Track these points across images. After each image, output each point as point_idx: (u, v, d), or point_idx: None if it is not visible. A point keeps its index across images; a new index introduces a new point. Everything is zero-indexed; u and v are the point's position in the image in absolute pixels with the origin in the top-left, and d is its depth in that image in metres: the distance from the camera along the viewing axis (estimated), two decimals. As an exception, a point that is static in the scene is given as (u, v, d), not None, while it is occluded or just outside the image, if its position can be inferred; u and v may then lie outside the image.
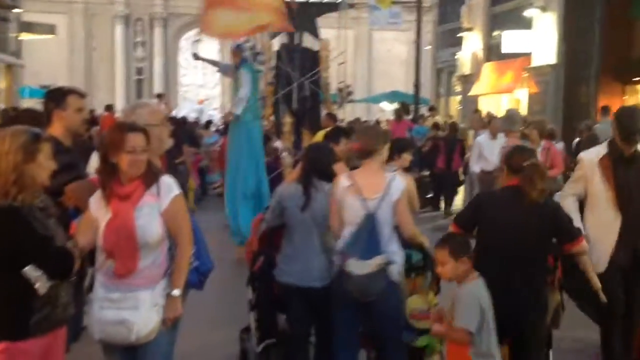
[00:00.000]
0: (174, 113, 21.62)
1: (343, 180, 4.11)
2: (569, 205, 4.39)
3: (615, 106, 16.48)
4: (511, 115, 8.32)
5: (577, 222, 4.20)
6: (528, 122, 8.20)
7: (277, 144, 15.09)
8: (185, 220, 3.48)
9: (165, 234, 3.39)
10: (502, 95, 19.61)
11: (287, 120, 13.60)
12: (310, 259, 4.26)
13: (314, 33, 14.33)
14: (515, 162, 3.88)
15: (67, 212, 3.89)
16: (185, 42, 41.08)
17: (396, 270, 4.03)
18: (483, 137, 9.22)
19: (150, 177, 3.39)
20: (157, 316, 3.30)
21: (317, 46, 14.16)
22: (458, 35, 20.85)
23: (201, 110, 30.84)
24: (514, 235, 3.78)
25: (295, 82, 13.66)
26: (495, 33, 19.49)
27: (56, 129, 4.09)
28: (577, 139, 12.21)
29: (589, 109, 15.23)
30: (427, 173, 13.20)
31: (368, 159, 4.16)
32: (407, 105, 15.19)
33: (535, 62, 16.42)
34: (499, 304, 3.66)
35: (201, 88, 42.24)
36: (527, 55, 17.08)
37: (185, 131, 11.86)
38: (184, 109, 33.24)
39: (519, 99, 19.40)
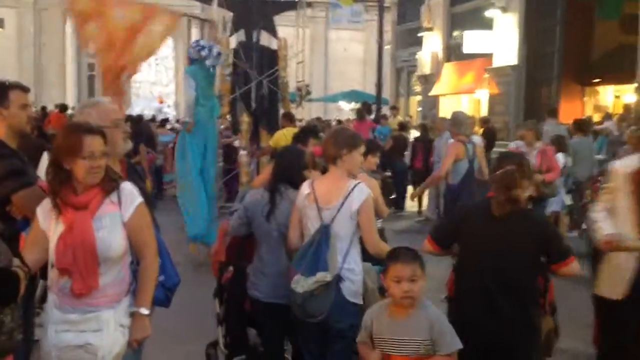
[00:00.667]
0: (128, 111, 21.07)
1: (304, 187, 3.84)
2: (598, 215, 3.90)
3: (575, 108, 16.71)
4: (456, 117, 7.94)
5: (607, 229, 3.76)
6: (524, 123, 7.98)
7: (235, 143, 14.75)
8: (150, 231, 3.15)
9: (128, 247, 3.03)
10: (462, 96, 19.56)
11: (245, 119, 13.26)
12: (277, 274, 3.95)
13: (272, 31, 14.03)
14: (493, 171, 3.54)
15: (15, 224, 3.51)
16: (139, 38, 40.65)
17: (352, 288, 3.67)
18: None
19: (109, 184, 3.03)
20: (123, 338, 2.97)
21: (275, 45, 13.88)
22: (418, 35, 20.70)
23: (159, 109, 30.20)
24: (495, 252, 3.41)
25: (254, 81, 13.37)
26: (455, 33, 19.41)
27: None
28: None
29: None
30: (389, 174, 13.01)
31: (332, 165, 3.82)
32: (369, 104, 14.95)
33: (497, 63, 16.36)
34: (482, 328, 3.35)
35: (154, 85, 41.70)
36: (488, 56, 17.02)
37: (141, 130, 11.38)
38: (138, 107, 32.63)
39: (479, 100, 19.37)
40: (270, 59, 13.55)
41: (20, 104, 3.70)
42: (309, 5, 14.85)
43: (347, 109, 29.76)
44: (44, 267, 3.08)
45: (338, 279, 3.60)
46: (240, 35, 13.86)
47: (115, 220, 3.00)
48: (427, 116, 18.75)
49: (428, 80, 20.03)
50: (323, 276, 3.56)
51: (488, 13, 16.52)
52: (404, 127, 14.26)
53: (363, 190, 3.73)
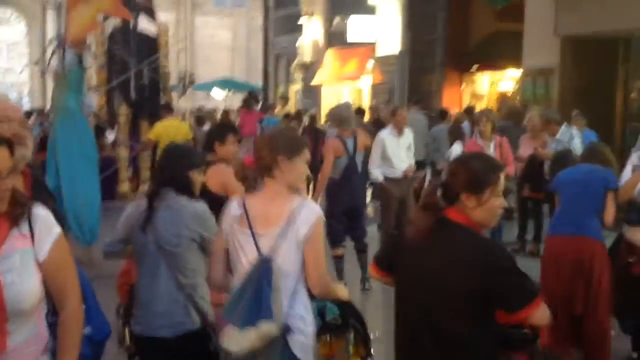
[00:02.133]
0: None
1: (232, 207, 3.00)
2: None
3: (453, 95, 16.95)
4: (336, 114, 7.35)
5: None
6: (481, 114, 7.80)
7: (112, 136, 13.68)
8: (72, 271, 2.41)
9: (44, 294, 2.34)
10: (343, 84, 19.36)
11: (123, 110, 12.31)
12: (155, 298, 3.26)
13: (151, 15, 13.14)
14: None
15: None
16: (-12, 21, 37.76)
17: (303, 342, 2.88)
18: (386, 133, 7.77)
19: (17, 210, 2.29)
20: None
21: (154, 31, 13.01)
22: (298, 22, 20.26)
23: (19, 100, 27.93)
24: (420, 293, 2.49)
25: (133, 69, 12.45)
26: (336, 19, 19.13)
27: None
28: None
29: (433, 98, 15.32)
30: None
31: (268, 178, 2.97)
32: (257, 94, 14.35)
33: (380, 50, 16.22)
34: None
35: (7, 72, 38.86)
36: (372, 43, 16.87)
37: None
38: (-9, 97, 30.07)
39: (361, 89, 19.26)
40: (149, 46, 12.68)
41: None
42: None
43: (219, 98, 28.83)
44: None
45: (286, 330, 2.81)
46: (115, 20, 12.88)
47: (26, 258, 2.27)
48: (305, 105, 18.41)
49: (309, 68, 19.65)
50: (268, 328, 2.74)
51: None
52: (290, 117, 13.78)
53: (313, 210, 2.90)
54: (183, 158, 3.61)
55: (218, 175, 5.02)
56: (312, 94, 19.65)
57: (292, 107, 20.95)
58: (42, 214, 2.34)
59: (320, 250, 2.92)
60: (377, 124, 13.17)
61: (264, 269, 2.81)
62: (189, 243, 3.38)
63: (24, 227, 2.28)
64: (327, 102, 18.53)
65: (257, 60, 42.32)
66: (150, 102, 12.78)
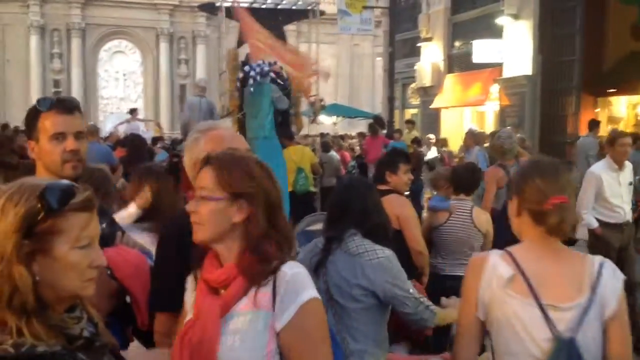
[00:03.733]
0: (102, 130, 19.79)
1: (496, 263, 2.21)
2: None
3: (588, 118, 15.99)
4: (500, 145, 6.80)
5: None
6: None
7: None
8: (319, 347, 1.94)
9: None
10: (464, 109, 18.71)
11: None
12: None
13: (283, 42, 13.04)
14: None
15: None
16: (105, 53, 39.46)
17: None
18: (602, 168, 6.45)
19: (259, 268, 1.93)
20: None
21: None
22: (414, 45, 19.81)
23: (137, 127, 28.78)
24: None
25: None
26: (457, 43, 18.57)
27: None
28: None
29: (568, 122, 14.48)
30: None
31: (539, 225, 2.20)
32: (382, 119, 13.95)
33: (507, 73, 15.52)
34: None
35: (123, 101, 40.41)
36: (496, 66, 16.18)
37: (144, 151, 10.12)
38: (110, 123, 31.16)
39: (484, 113, 18.55)
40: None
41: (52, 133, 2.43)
42: (322, 13, 13.85)
43: (328, 123, 28.77)
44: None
45: None
46: (248, 47, 12.87)
47: (259, 322, 1.89)
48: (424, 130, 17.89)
49: (428, 93, 19.13)
50: None
51: (498, 21, 15.67)
52: (419, 142, 13.28)
53: (617, 276, 2.19)
54: (369, 191, 3.23)
55: (391, 207, 4.61)
56: (430, 118, 19.09)
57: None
58: (291, 272, 1.92)
59: (628, 329, 2.21)
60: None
61: (568, 355, 2.09)
62: (366, 298, 2.96)
63: (266, 286, 1.91)
64: (447, 127, 17.93)
65: (359, 87, 42.68)
66: (280, 128, 12.65)
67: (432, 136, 14.85)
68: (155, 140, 15.29)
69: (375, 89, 42.14)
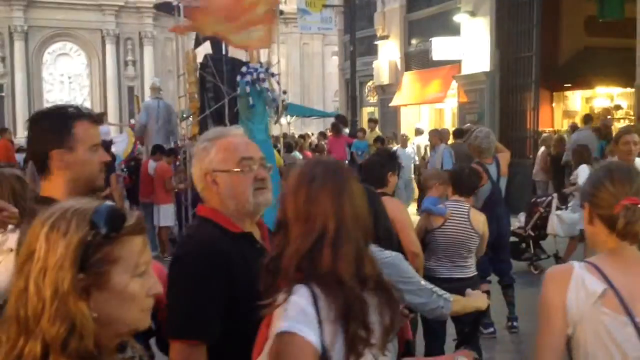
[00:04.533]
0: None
1: (583, 276, 2.07)
2: None
3: (545, 114, 16.21)
4: (478, 145, 6.74)
5: None
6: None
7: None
8: None
9: None
10: (421, 107, 18.76)
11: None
12: None
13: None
14: None
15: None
16: (49, 56, 38.48)
17: None
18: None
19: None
20: None
21: (245, 57, 12.66)
22: (371, 43, 19.78)
23: (106, 132, 28.00)
24: None
25: (227, 97, 12.07)
26: (414, 40, 18.59)
27: None
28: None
29: (527, 117, 14.61)
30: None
31: (622, 239, 2.09)
32: (345, 117, 13.82)
33: (466, 70, 15.58)
34: None
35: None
36: (453, 64, 16.25)
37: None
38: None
39: (443, 110, 18.63)
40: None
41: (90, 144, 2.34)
42: (281, 13, 13.64)
43: (283, 123, 28.57)
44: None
45: None
46: (206, 47, 12.57)
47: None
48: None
49: (386, 91, 19.11)
50: None
51: (455, 18, 15.72)
52: (383, 141, 13.20)
53: None
54: (376, 195, 3.14)
55: (388, 209, 4.49)
56: (389, 116, 19.07)
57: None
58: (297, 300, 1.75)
59: None
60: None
61: None
62: None
63: None
64: (407, 124, 17.93)
65: (310, 85, 42.59)
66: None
67: (405, 133, 14.73)
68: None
69: (325, 87, 42.15)
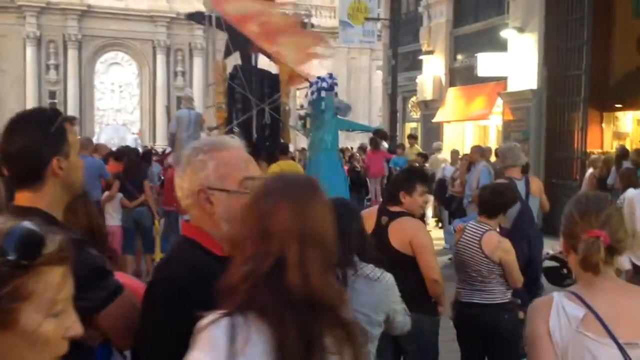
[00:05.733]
0: (95, 139, 19.44)
1: (564, 303, 2.12)
2: None
3: (595, 135, 15.67)
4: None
5: None
6: None
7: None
8: None
9: None
10: (465, 123, 18.39)
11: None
12: None
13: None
14: None
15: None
16: (101, 65, 39.25)
17: None
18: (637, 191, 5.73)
19: None
20: None
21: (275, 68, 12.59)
22: (415, 58, 19.52)
23: (135, 141, 28.50)
24: None
25: (255, 108, 11.98)
26: (459, 56, 18.27)
27: None
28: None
29: (574, 137, 14.13)
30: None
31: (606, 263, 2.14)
32: (384, 132, 13.59)
33: (512, 87, 15.18)
34: None
35: (118, 112, 40.22)
36: (499, 80, 15.87)
37: (140, 163, 9.75)
38: (105, 135, 30.82)
39: (487, 127, 18.23)
40: (271, 84, 12.20)
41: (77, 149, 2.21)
42: (312, 26, 13.54)
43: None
44: None
45: None
46: (236, 57, 12.55)
47: None
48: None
49: (429, 106, 18.81)
50: None
51: (502, 33, 15.34)
52: (426, 157, 12.90)
53: None
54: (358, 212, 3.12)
55: (404, 231, 4.24)
56: (432, 132, 18.76)
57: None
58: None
59: None
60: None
61: None
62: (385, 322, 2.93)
63: None
64: (450, 141, 17.58)
65: (356, 100, 42.39)
66: (270, 141, 12.28)
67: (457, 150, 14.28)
68: (148, 153, 14.95)
69: (372, 102, 41.92)
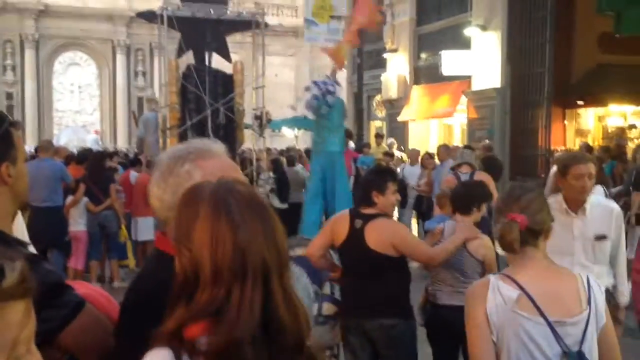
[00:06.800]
0: (54, 141, 18.97)
1: (498, 285, 2.28)
2: None
3: (557, 132, 15.81)
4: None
5: None
6: None
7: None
8: None
9: None
10: (430, 121, 18.42)
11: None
12: None
13: (225, 54, 12.52)
14: None
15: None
16: (60, 65, 38.48)
17: None
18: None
19: None
20: None
21: (228, 68, 12.44)
22: (379, 56, 19.50)
23: (96, 141, 27.95)
24: None
25: (209, 108, 11.78)
26: (424, 54, 18.29)
27: None
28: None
29: (538, 135, 14.25)
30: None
31: (531, 245, 2.34)
32: (350, 131, 13.50)
33: (476, 85, 15.24)
34: None
35: (78, 114, 39.45)
36: (463, 78, 15.92)
37: (102, 166, 9.44)
38: (64, 137, 30.16)
39: (452, 125, 18.29)
40: (225, 84, 12.04)
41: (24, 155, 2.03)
42: (266, 26, 13.40)
43: (290, 136, 28.32)
44: None
45: None
46: (189, 57, 12.34)
47: None
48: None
49: (394, 105, 18.80)
50: None
51: (465, 32, 15.40)
52: (392, 156, 12.84)
53: (600, 290, 2.35)
54: None
55: (382, 232, 4.15)
56: (397, 130, 18.75)
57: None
58: None
59: (615, 337, 2.41)
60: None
61: None
62: None
63: None
64: (415, 139, 17.60)
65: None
66: (226, 142, 12.09)
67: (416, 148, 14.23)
68: (110, 154, 14.61)
69: (336, 101, 41.87)
